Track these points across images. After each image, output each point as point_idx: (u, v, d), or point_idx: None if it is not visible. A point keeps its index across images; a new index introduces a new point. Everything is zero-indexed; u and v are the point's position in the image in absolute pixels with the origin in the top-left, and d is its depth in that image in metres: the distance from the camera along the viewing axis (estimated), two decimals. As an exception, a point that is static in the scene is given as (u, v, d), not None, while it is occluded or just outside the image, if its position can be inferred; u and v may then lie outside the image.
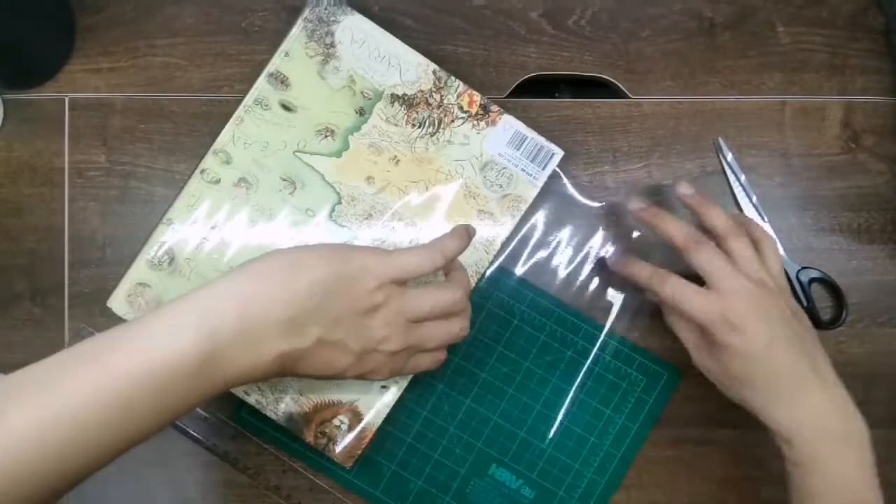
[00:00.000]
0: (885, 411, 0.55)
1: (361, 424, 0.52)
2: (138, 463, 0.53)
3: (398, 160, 0.52)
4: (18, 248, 0.54)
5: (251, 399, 0.51)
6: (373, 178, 0.52)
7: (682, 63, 0.56)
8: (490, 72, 0.56)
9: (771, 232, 0.55)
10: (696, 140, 0.56)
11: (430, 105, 0.52)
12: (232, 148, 0.52)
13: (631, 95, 0.56)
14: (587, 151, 0.55)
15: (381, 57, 0.52)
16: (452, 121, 0.52)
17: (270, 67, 0.52)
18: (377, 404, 0.52)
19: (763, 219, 0.55)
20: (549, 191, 0.54)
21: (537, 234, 0.55)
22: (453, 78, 0.52)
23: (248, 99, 0.52)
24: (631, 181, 0.55)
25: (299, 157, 0.52)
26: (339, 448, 0.52)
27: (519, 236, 0.54)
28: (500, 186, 0.53)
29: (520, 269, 0.55)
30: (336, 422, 0.52)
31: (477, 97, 0.52)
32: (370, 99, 0.52)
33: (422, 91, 0.52)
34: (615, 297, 0.55)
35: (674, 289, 0.46)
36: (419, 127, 0.52)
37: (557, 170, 0.54)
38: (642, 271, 0.48)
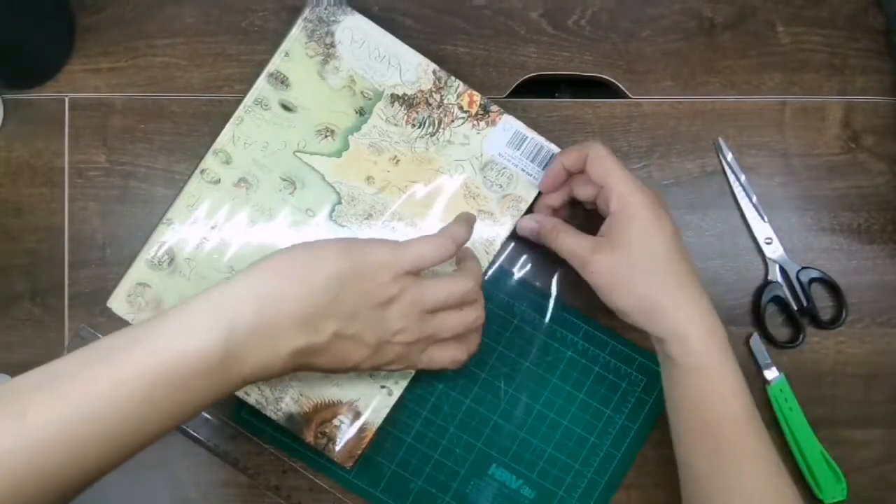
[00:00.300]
0: (885, 411, 0.55)
1: (361, 424, 0.52)
2: (138, 463, 0.53)
3: (398, 160, 0.52)
4: (18, 248, 0.54)
5: (251, 399, 0.51)
6: (373, 178, 0.52)
7: (682, 63, 0.56)
8: (490, 72, 0.56)
9: (771, 231, 0.55)
10: (696, 140, 0.56)
11: (430, 105, 0.52)
12: (232, 148, 0.52)
13: (631, 95, 0.56)
14: (587, 151, 0.56)
15: (381, 57, 0.52)
16: (452, 121, 0.52)
17: (270, 67, 0.52)
18: (377, 404, 0.52)
19: (763, 219, 0.55)
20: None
21: (537, 234, 0.55)
22: (453, 78, 0.52)
23: (248, 99, 0.52)
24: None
25: (299, 157, 0.52)
26: (339, 448, 0.52)
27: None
28: (501, 186, 0.53)
29: (519, 270, 0.55)
30: (336, 422, 0.52)
31: (477, 97, 0.52)
32: (370, 99, 0.52)
33: (422, 91, 0.52)
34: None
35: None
36: (419, 127, 0.52)
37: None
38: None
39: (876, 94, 0.57)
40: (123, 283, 0.51)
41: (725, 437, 0.43)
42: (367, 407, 0.52)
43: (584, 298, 0.54)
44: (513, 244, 0.54)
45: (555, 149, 0.52)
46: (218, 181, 0.52)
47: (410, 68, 0.52)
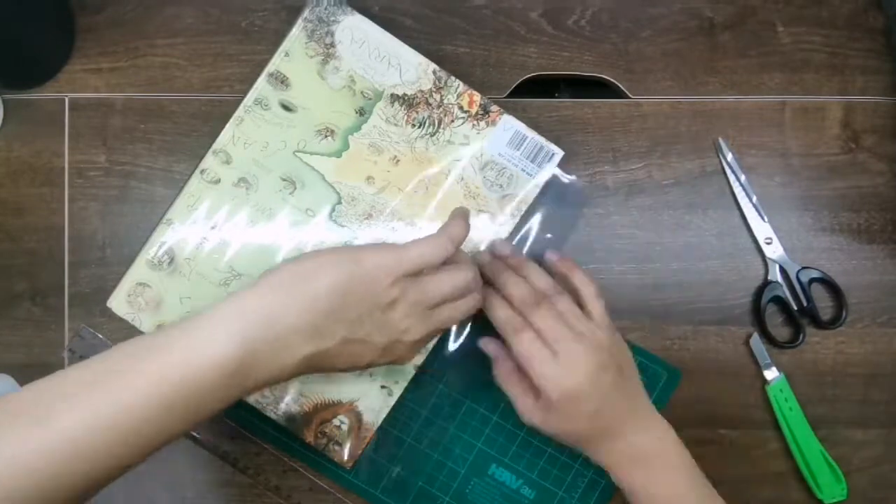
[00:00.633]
0: (885, 411, 0.55)
1: (361, 424, 0.52)
2: (138, 463, 0.53)
3: (398, 160, 0.52)
4: (18, 248, 0.54)
5: (251, 399, 0.51)
6: (373, 178, 0.52)
7: (682, 63, 0.56)
8: (490, 72, 0.56)
9: (771, 231, 0.55)
10: (696, 140, 0.56)
11: (430, 105, 0.52)
12: (232, 148, 0.52)
13: (631, 95, 0.56)
14: (587, 151, 0.55)
15: (381, 57, 0.52)
16: (452, 121, 0.52)
17: (270, 67, 0.52)
18: (377, 404, 0.52)
19: (763, 219, 0.55)
20: (549, 191, 0.54)
21: (537, 235, 0.55)
22: (453, 78, 0.52)
23: (248, 99, 0.52)
24: (630, 181, 0.55)
25: (299, 157, 0.52)
26: (338, 448, 0.52)
27: (519, 236, 0.54)
28: (500, 186, 0.53)
29: (520, 269, 0.55)
30: (336, 422, 0.52)
31: (477, 97, 0.52)
32: (370, 99, 0.52)
33: (422, 91, 0.52)
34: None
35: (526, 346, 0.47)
36: (419, 127, 0.52)
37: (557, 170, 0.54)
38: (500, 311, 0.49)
39: (876, 94, 0.57)
40: (123, 283, 0.51)
41: None
42: (367, 407, 0.52)
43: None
44: (512, 244, 0.54)
45: (555, 149, 0.52)
46: (218, 181, 0.52)
47: (410, 68, 0.52)
